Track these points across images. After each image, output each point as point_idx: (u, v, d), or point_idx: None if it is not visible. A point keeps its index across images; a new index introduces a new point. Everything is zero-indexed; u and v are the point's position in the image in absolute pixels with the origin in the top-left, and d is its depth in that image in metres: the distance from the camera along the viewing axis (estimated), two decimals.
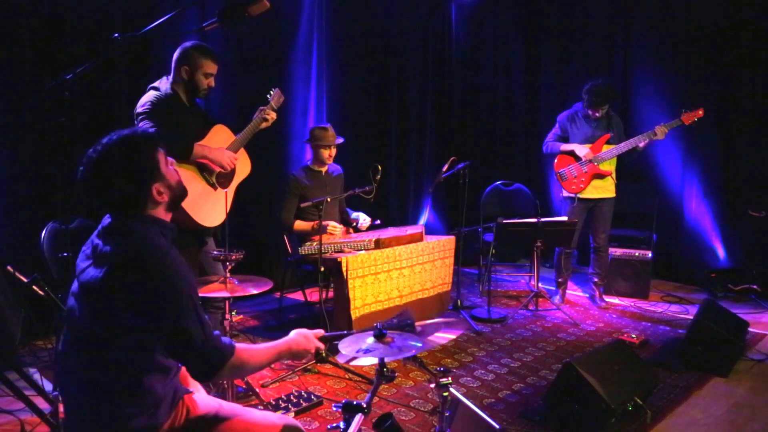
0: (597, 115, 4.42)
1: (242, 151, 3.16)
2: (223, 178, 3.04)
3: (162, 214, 1.62)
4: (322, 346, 1.78)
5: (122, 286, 1.45)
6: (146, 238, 1.51)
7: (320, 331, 1.81)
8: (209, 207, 2.97)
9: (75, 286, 1.56)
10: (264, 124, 3.21)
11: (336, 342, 1.82)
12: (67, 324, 1.57)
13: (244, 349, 1.58)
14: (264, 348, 1.65)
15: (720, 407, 2.92)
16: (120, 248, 1.49)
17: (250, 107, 3.25)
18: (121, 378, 1.50)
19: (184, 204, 2.78)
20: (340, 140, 3.99)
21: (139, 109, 2.85)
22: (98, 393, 1.50)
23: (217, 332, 1.56)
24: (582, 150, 4.45)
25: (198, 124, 3.02)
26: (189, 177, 2.87)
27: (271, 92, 3.28)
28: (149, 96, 2.89)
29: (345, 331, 1.88)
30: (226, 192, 2.92)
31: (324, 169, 4.06)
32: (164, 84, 2.97)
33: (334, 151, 4.00)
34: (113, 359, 1.49)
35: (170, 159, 1.67)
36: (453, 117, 6.66)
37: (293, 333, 1.74)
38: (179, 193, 1.66)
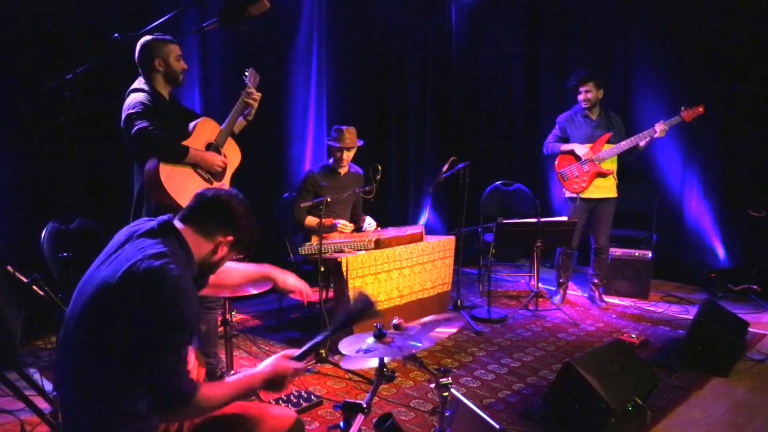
0: (586, 96, 4.43)
1: (230, 140, 3.14)
2: (214, 173, 3.04)
3: (203, 266, 1.66)
4: (301, 366, 1.68)
5: (121, 298, 1.43)
6: (171, 262, 1.47)
7: (290, 353, 1.70)
8: None
9: (82, 281, 1.55)
10: (251, 109, 3.18)
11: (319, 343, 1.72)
12: (65, 321, 1.56)
13: (208, 390, 1.52)
14: (231, 383, 1.59)
15: (720, 407, 2.92)
16: (141, 259, 1.46)
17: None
18: (110, 382, 1.47)
19: (185, 202, 2.81)
20: (360, 143, 3.95)
21: (129, 110, 2.82)
22: (88, 393, 1.49)
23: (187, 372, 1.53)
24: (582, 149, 4.45)
25: (181, 120, 3.03)
26: (187, 174, 2.88)
27: (246, 73, 3.22)
28: (138, 97, 2.86)
29: (316, 340, 1.72)
30: (222, 185, 2.94)
31: (343, 171, 4.05)
32: (143, 84, 2.94)
33: (348, 155, 3.97)
34: (101, 360, 1.47)
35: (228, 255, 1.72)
36: (453, 117, 6.66)
37: (264, 365, 1.65)
38: (208, 265, 1.68)
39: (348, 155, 3.97)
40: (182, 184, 2.82)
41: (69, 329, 1.54)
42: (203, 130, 3.02)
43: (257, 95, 3.17)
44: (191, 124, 3.02)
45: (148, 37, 2.92)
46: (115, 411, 1.48)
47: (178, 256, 1.53)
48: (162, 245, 1.51)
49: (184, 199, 2.80)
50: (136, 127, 2.76)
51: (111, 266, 1.49)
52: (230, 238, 1.65)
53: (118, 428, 1.49)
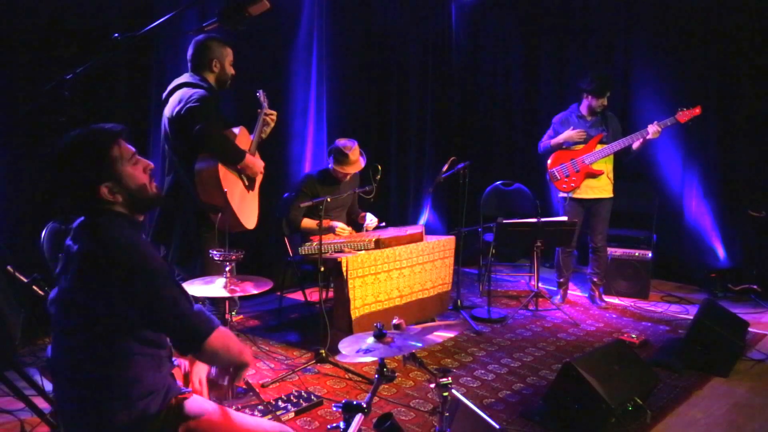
0: (598, 103, 4.37)
1: (256, 153, 3.20)
2: (249, 180, 3.07)
3: (126, 211, 1.58)
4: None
5: (93, 280, 1.46)
6: (109, 229, 1.51)
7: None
8: (248, 209, 2.99)
9: (53, 292, 1.57)
10: (267, 127, 3.24)
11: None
12: (52, 329, 1.58)
13: (220, 334, 1.55)
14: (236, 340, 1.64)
15: (720, 407, 2.92)
16: (85, 244, 1.49)
17: (249, 107, 3.26)
18: (107, 370, 1.49)
19: (236, 208, 2.82)
20: (362, 164, 3.91)
21: (190, 104, 2.77)
22: (85, 390, 1.50)
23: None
24: (567, 133, 4.45)
25: (220, 122, 3.03)
26: (234, 178, 2.91)
27: (257, 94, 3.31)
28: (199, 91, 2.81)
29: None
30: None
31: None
32: (198, 80, 2.89)
33: (350, 172, 3.96)
34: (96, 350, 1.48)
35: (140, 159, 1.60)
36: (453, 117, 6.66)
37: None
38: (139, 196, 1.58)
39: (350, 173, 3.96)
40: (232, 188, 2.83)
41: (59, 336, 1.55)
42: (242, 139, 3.05)
43: (274, 115, 3.27)
44: (234, 130, 3.03)
45: (207, 36, 2.90)
46: (112, 398, 1.49)
47: (110, 221, 1.53)
48: (91, 226, 1.52)
49: (234, 202, 2.82)
50: (199, 126, 2.72)
51: (66, 269, 1.52)
52: (105, 185, 1.53)
53: (120, 410, 1.50)
